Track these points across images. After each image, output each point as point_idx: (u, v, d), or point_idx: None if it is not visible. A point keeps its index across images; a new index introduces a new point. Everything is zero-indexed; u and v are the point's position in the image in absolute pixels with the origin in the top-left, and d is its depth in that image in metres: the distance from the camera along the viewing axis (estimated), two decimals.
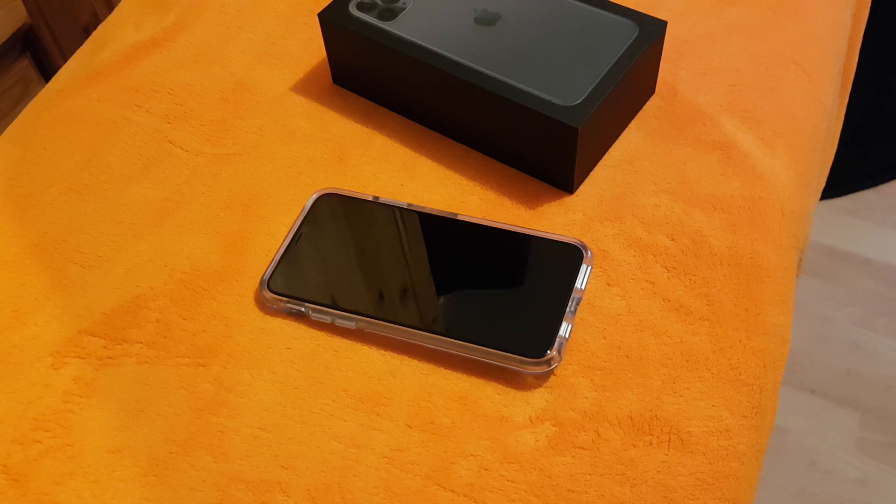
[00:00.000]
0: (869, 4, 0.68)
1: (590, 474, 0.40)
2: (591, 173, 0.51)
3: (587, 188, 0.51)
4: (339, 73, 0.56)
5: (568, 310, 0.44)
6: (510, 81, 0.49)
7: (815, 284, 1.27)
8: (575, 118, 0.47)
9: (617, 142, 0.53)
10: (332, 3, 0.54)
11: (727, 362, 0.43)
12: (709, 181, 0.50)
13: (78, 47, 0.67)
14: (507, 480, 0.40)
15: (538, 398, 0.42)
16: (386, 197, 0.50)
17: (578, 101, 0.47)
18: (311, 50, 0.59)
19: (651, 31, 0.51)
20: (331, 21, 0.53)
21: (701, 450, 0.40)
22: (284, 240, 0.48)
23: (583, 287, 0.45)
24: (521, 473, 0.40)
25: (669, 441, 0.41)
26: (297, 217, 0.49)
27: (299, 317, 0.45)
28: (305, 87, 0.57)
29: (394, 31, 0.52)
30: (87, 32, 1.01)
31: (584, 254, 0.46)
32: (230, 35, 0.61)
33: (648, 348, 0.44)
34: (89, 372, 0.44)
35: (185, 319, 0.46)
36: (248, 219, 0.50)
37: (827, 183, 1.35)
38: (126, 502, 0.40)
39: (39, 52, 0.96)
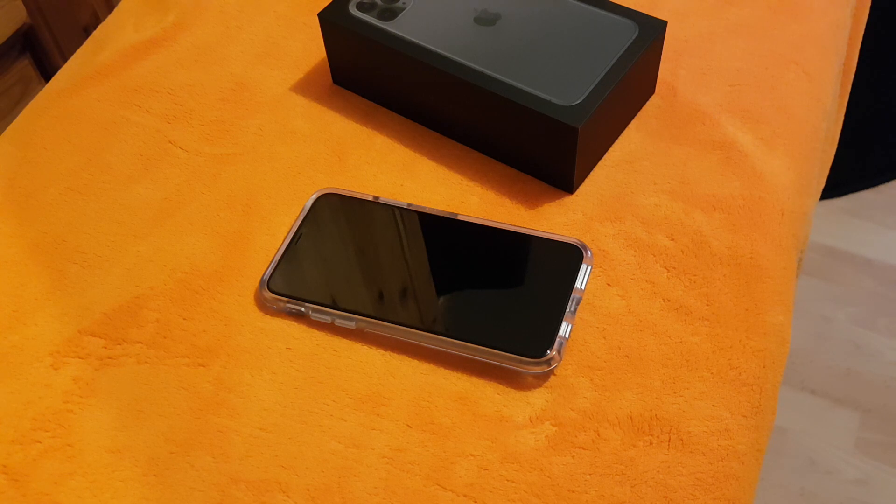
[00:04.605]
0: (869, 4, 0.68)
1: (590, 474, 0.40)
2: (591, 173, 0.51)
3: (587, 188, 0.51)
4: (339, 73, 0.56)
5: (568, 310, 0.44)
6: (510, 81, 0.49)
7: (815, 284, 1.27)
8: (575, 118, 0.47)
9: (617, 142, 0.53)
10: (332, 3, 0.54)
11: (727, 362, 0.43)
12: (709, 181, 0.50)
13: (78, 47, 0.67)
14: (507, 480, 0.40)
15: (538, 398, 0.42)
16: (386, 197, 0.50)
17: (578, 101, 0.47)
18: (311, 50, 0.59)
19: (651, 31, 0.51)
20: (331, 21, 0.53)
21: (701, 450, 0.40)
22: (284, 240, 0.48)
23: (583, 287, 0.45)
24: (521, 473, 0.40)
25: (669, 441, 0.41)
26: (297, 217, 0.49)
27: (299, 317, 0.45)
28: (305, 87, 0.57)
29: (394, 31, 0.52)
30: (87, 32, 1.01)
31: (584, 254, 0.46)
32: (230, 35, 0.61)
33: (648, 348, 0.44)
34: (89, 372, 0.44)
35: (185, 319, 0.46)
36: (248, 219, 0.50)
37: (827, 183, 1.35)
38: (126, 502, 0.40)
39: (39, 52, 0.96)
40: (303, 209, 0.49)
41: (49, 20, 0.95)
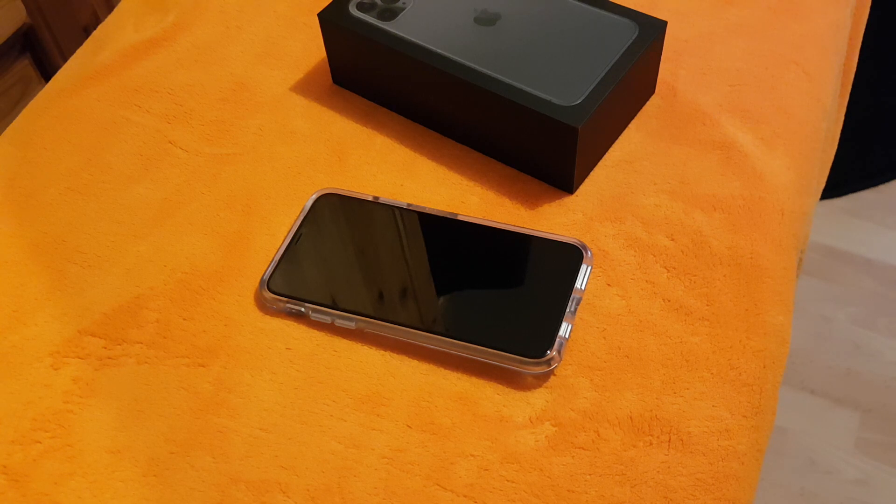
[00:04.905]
0: (869, 4, 0.68)
1: (590, 474, 0.40)
2: (591, 173, 0.51)
3: (587, 188, 0.51)
4: (339, 73, 0.56)
5: (568, 310, 0.44)
6: (510, 81, 0.49)
7: (815, 284, 1.27)
8: (575, 118, 0.47)
9: (617, 142, 0.53)
10: (332, 3, 0.54)
11: (727, 362, 0.43)
12: (709, 181, 0.50)
13: (78, 47, 0.67)
14: (507, 480, 0.40)
15: (538, 398, 0.42)
16: (386, 197, 0.50)
17: (578, 101, 0.47)
18: (311, 50, 0.59)
19: (651, 31, 0.51)
20: (331, 21, 0.53)
21: (701, 450, 0.40)
22: (284, 240, 0.48)
23: (583, 287, 0.45)
24: (521, 474, 0.40)
25: (669, 441, 0.41)
26: (297, 217, 0.49)
27: (299, 317, 0.45)
28: (305, 87, 0.57)
29: (394, 31, 0.52)
30: (87, 32, 1.01)
31: (584, 254, 0.46)
32: (230, 35, 0.61)
33: (648, 348, 0.44)
34: (89, 372, 0.44)
35: (185, 319, 0.46)
36: (248, 219, 0.50)
37: (827, 183, 1.35)
38: (126, 502, 0.40)
39: (39, 52, 0.96)
40: (303, 209, 0.49)
41: (49, 20, 0.95)
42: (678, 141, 0.52)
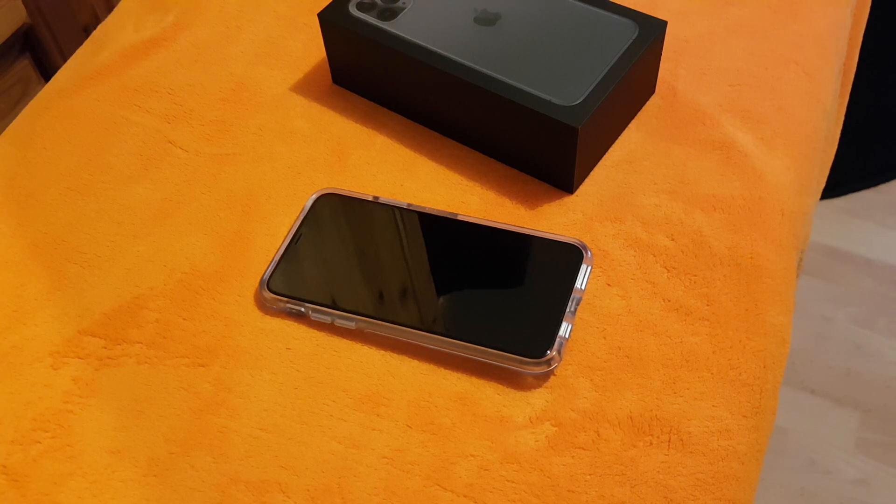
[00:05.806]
0: (869, 4, 0.68)
1: (590, 474, 0.40)
2: (591, 173, 0.51)
3: (587, 188, 0.51)
4: (339, 73, 0.56)
5: (568, 310, 0.44)
6: (510, 81, 0.49)
7: (815, 284, 1.27)
8: (575, 118, 0.47)
9: (617, 142, 0.53)
10: (332, 3, 0.54)
11: (727, 362, 0.43)
12: (709, 181, 0.50)
13: (78, 47, 0.67)
14: (507, 481, 0.40)
15: (538, 398, 0.42)
16: (386, 197, 0.50)
17: (578, 101, 0.47)
18: (311, 50, 0.59)
19: (651, 31, 0.51)
20: (331, 21, 0.53)
21: (701, 450, 0.40)
22: (284, 240, 0.48)
23: (583, 287, 0.45)
24: (521, 474, 0.40)
25: (669, 441, 0.41)
26: (297, 217, 0.49)
27: (299, 317, 0.45)
28: (305, 87, 0.57)
29: (394, 31, 0.52)
30: (87, 32, 1.01)
31: (584, 254, 0.46)
32: (230, 35, 0.61)
33: (648, 348, 0.44)
34: (89, 372, 0.44)
35: (184, 319, 0.46)
36: (248, 219, 0.50)
37: (827, 183, 1.35)
38: (126, 502, 0.40)
39: (39, 52, 0.96)
40: (303, 209, 0.49)
41: (49, 20, 0.95)
42: (678, 141, 0.52)
